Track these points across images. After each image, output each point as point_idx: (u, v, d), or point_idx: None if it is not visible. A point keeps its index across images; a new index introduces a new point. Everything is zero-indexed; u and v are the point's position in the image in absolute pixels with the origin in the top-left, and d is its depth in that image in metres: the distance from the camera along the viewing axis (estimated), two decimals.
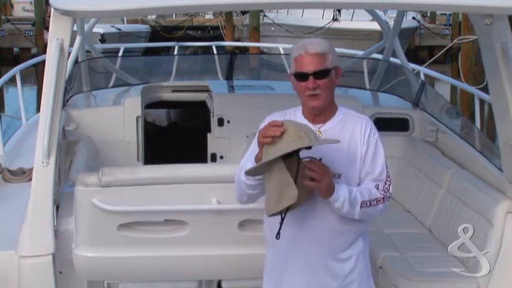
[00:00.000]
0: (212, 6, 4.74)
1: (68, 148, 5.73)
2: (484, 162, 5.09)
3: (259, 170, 3.28)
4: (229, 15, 33.82)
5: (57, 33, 3.99)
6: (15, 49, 30.76)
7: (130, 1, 3.78)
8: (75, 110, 6.43)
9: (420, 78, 7.44)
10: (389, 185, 3.46)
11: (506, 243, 4.33)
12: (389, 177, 3.48)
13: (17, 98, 7.45)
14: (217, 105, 6.69)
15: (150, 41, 29.42)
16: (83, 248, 4.19)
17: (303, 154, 3.28)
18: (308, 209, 3.38)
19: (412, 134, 6.53)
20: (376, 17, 8.03)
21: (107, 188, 4.04)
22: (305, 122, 3.45)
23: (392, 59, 7.76)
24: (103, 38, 26.80)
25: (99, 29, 26.33)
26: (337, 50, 3.67)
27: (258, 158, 3.30)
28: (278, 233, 3.35)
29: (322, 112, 3.46)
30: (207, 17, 39.16)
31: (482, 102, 7.75)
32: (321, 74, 3.38)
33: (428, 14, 34.54)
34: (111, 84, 8.05)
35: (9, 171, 5.26)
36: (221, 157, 6.70)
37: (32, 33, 30.78)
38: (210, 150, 6.74)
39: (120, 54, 9.95)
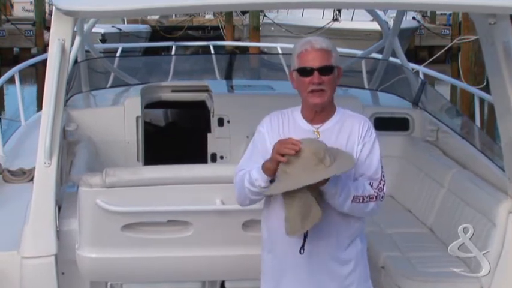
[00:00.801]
0: (212, 6, 4.74)
1: (68, 149, 5.72)
2: (486, 161, 5.09)
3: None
4: (229, 15, 33.82)
5: (58, 34, 3.99)
6: (15, 49, 30.77)
7: (133, 1, 3.78)
8: (75, 110, 6.42)
9: (420, 77, 7.43)
10: (383, 185, 3.43)
11: (508, 242, 4.32)
12: (384, 177, 3.45)
13: (16, 97, 7.44)
14: (217, 105, 6.68)
15: (151, 41, 29.46)
16: (87, 249, 4.18)
17: None
18: None
19: (413, 133, 6.53)
20: (376, 17, 8.03)
21: (110, 188, 4.03)
22: (303, 122, 3.45)
23: (392, 59, 7.76)
24: (104, 38, 26.82)
25: (100, 29, 26.36)
26: (337, 49, 3.66)
27: (266, 168, 3.28)
28: (302, 247, 3.33)
29: (321, 112, 3.44)
30: (207, 17, 39.16)
31: (482, 102, 7.74)
32: (326, 70, 3.37)
33: (428, 14, 34.53)
34: (110, 84, 8.04)
35: (9, 171, 5.25)
36: (221, 157, 6.69)
37: (32, 33, 30.80)
38: (210, 150, 6.73)
39: (118, 54, 9.94)
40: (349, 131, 3.44)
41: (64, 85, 4.08)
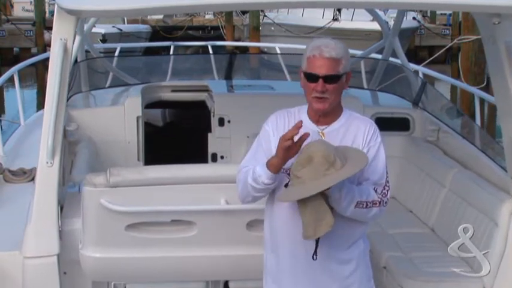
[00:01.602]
0: (212, 6, 4.74)
1: (69, 149, 5.72)
2: (487, 161, 5.08)
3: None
4: (229, 15, 33.81)
5: (60, 33, 3.98)
6: (15, 49, 30.76)
7: (135, 1, 3.77)
8: (75, 110, 6.42)
9: (420, 77, 7.43)
10: (387, 191, 3.40)
11: (511, 242, 4.31)
12: (388, 182, 3.42)
13: (16, 98, 7.44)
14: (218, 105, 6.68)
15: (151, 41, 29.42)
16: (91, 249, 4.17)
17: None
18: None
19: (413, 133, 6.53)
20: (376, 17, 8.02)
21: (114, 188, 4.03)
22: (309, 122, 3.42)
23: (393, 59, 7.75)
24: (104, 38, 26.83)
25: (101, 29, 26.38)
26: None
27: (271, 164, 3.26)
28: (315, 253, 3.32)
29: (327, 114, 3.42)
30: (207, 17, 39.15)
31: (482, 102, 7.73)
32: (331, 79, 3.34)
33: (428, 14, 34.52)
34: (109, 84, 8.04)
35: (10, 171, 5.25)
36: (222, 157, 6.68)
37: (32, 33, 30.79)
38: (211, 150, 6.73)
39: (116, 54, 9.94)
40: (355, 134, 3.41)
41: (66, 85, 4.08)
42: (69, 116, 6.21)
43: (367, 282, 3.55)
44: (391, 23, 8.30)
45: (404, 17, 7.93)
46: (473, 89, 8.18)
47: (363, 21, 23.73)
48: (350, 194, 3.26)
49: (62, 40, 3.96)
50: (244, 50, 25.18)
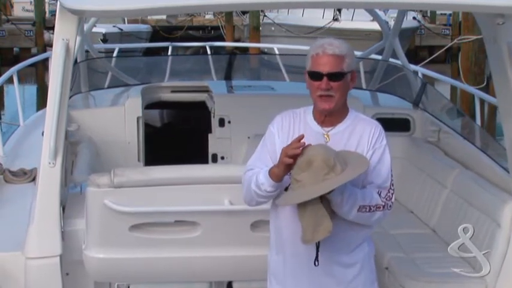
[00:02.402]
0: (213, 6, 4.74)
1: (69, 149, 5.71)
2: (488, 162, 5.08)
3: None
4: (229, 15, 33.81)
5: (62, 33, 3.98)
6: (15, 49, 30.79)
7: (139, 1, 3.76)
8: (75, 111, 6.41)
9: (421, 78, 7.43)
10: (392, 194, 3.37)
11: None
12: (393, 186, 3.39)
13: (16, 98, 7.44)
14: (218, 106, 6.67)
15: (151, 41, 29.44)
16: (94, 249, 4.17)
17: None
18: None
19: (414, 134, 6.52)
20: (376, 17, 8.02)
21: (118, 188, 4.02)
22: (314, 124, 3.40)
23: (393, 60, 7.75)
24: (105, 38, 26.83)
25: (101, 29, 26.38)
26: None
27: (273, 173, 3.25)
28: (316, 259, 3.30)
29: (332, 114, 3.38)
30: (207, 17, 39.15)
31: (482, 102, 7.72)
32: (335, 76, 3.31)
33: (428, 14, 34.53)
34: (109, 84, 8.03)
35: (10, 172, 5.24)
36: (222, 158, 6.67)
37: (32, 33, 30.81)
38: (211, 150, 6.72)
39: (114, 54, 9.94)
40: (360, 136, 3.38)
41: (68, 85, 4.07)
42: (70, 117, 6.21)
43: (370, 285, 3.52)
44: (391, 23, 8.30)
45: (405, 17, 7.92)
46: (473, 89, 8.16)
47: (363, 21, 23.73)
48: (352, 198, 3.23)
49: (64, 40, 3.95)
50: (245, 50, 25.19)
